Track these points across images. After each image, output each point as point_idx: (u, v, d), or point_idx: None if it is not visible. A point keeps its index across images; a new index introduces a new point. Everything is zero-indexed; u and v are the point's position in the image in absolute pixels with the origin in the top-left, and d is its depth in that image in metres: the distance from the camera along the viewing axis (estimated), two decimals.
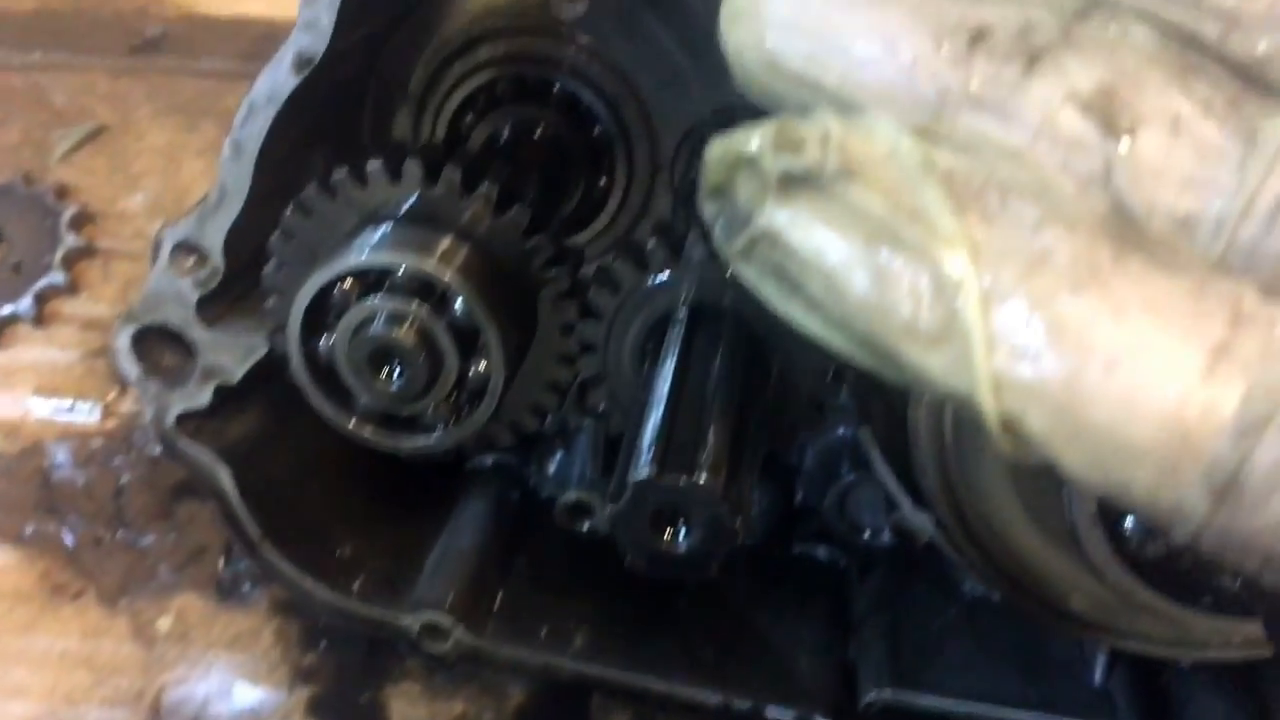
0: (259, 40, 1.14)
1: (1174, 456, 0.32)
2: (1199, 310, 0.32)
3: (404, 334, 0.59)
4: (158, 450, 0.96)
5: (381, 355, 0.61)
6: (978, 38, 0.35)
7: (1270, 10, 0.37)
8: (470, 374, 0.62)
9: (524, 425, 0.69)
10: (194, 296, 0.71)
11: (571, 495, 0.81)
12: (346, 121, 0.80)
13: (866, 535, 0.85)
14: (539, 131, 0.79)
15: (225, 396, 0.74)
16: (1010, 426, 0.33)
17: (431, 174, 0.62)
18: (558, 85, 0.79)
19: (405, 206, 0.63)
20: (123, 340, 0.72)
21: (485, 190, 0.63)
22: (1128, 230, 0.34)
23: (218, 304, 0.72)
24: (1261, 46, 0.37)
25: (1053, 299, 0.32)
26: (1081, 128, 0.35)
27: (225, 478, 0.74)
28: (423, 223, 0.62)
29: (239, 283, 0.72)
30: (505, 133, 0.79)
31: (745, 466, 0.56)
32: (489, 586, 0.81)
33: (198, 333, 0.71)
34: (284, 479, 0.80)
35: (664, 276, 0.68)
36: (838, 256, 0.34)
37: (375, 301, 0.60)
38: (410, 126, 0.82)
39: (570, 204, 0.81)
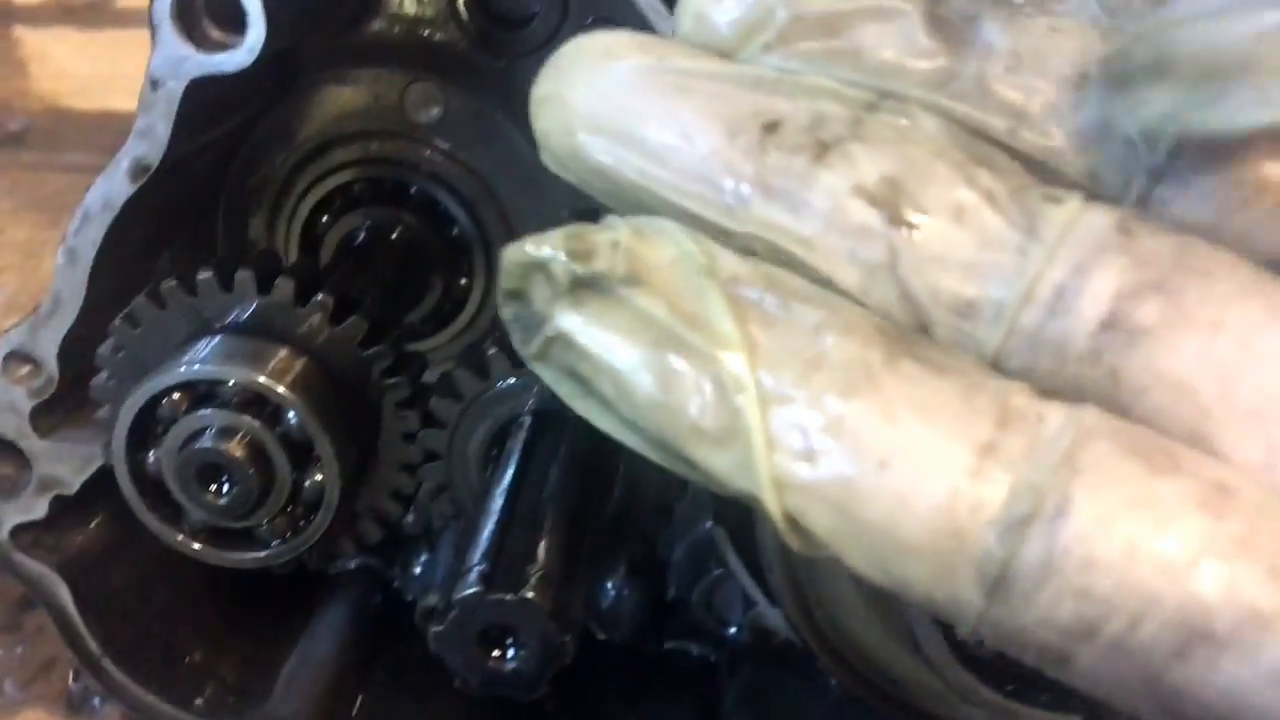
0: (125, 135, 1.12)
1: (947, 553, 0.32)
2: (968, 410, 0.33)
3: (234, 448, 0.58)
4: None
5: (211, 469, 0.59)
6: (770, 129, 0.37)
7: (1054, 107, 0.38)
8: (305, 486, 0.61)
9: (367, 535, 0.68)
10: (28, 406, 0.68)
11: (433, 598, 0.79)
12: (199, 222, 0.79)
13: (733, 630, 0.85)
14: (396, 233, 0.79)
15: (63, 507, 0.71)
16: (794, 524, 0.34)
17: (265, 284, 0.62)
18: (415, 187, 0.79)
19: (240, 316, 0.62)
20: None
21: (321, 300, 0.62)
22: (903, 334, 0.35)
23: (53, 413, 0.70)
24: (1045, 140, 0.39)
25: (828, 401, 0.33)
26: (867, 217, 0.36)
27: (63, 592, 0.72)
28: (257, 333, 0.61)
29: (77, 391, 0.70)
30: (361, 234, 0.78)
31: (579, 580, 0.55)
32: (346, 694, 0.78)
33: (32, 443, 0.69)
34: (128, 588, 0.77)
35: (509, 382, 0.67)
36: (625, 359, 0.35)
37: (204, 415, 0.58)
38: (265, 227, 0.81)
39: (429, 305, 0.81)
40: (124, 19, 1.17)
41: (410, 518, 0.81)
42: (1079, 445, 0.32)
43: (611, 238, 0.36)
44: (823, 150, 0.36)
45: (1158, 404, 0.34)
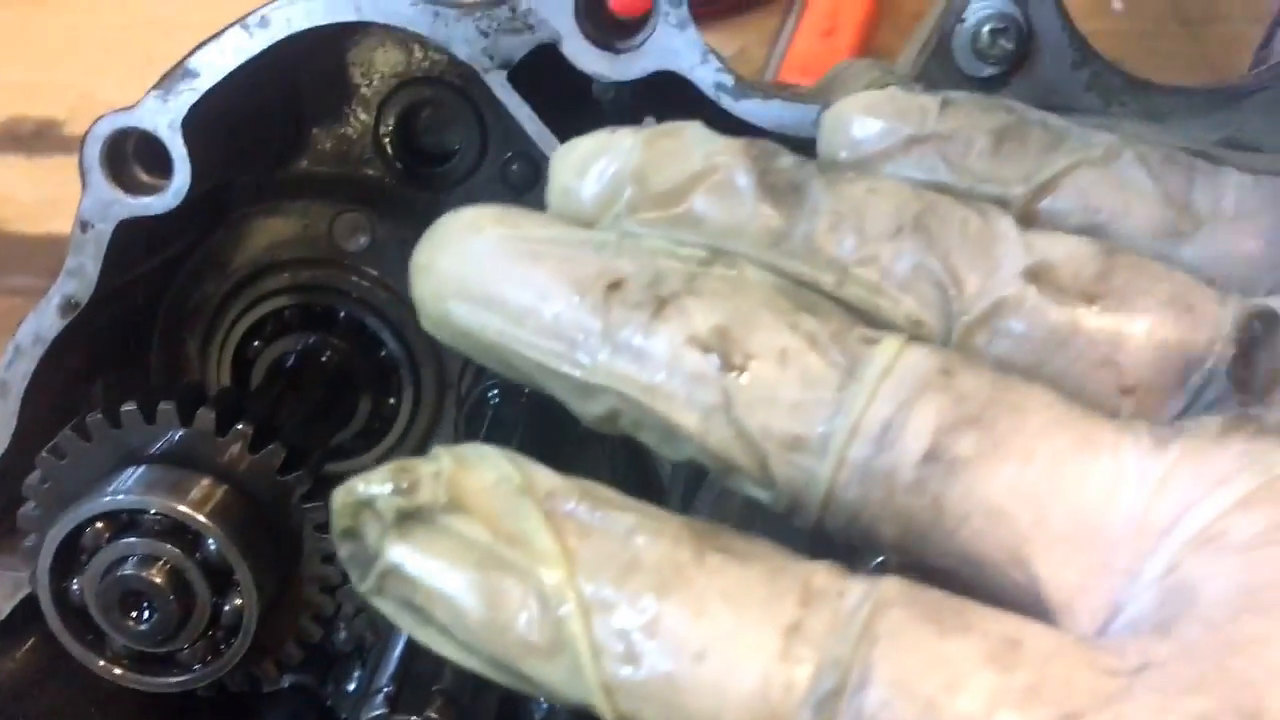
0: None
1: None
2: (773, 594, 0.35)
3: (155, 575, 0.60)
4: None
5: (133, 596, 0.61)
6: (614, 288, 0.40)
7: (873, 259, 0.43)
8: (225, 611, 0.63)
9: (289, 657, 0.69)
10: None
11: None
12: (133, 349, 0.82)
13: None
14: (325, 357, 0.82)
15: None
16: None
17: (187, 415, 0.64)
18: (344, 312, 0.83)
19: (163, 447, 0.64)
20: None
21: (241, 429, 0.65)
22: (709, 529, 0.37)
23: None
24: (867, 290, 0.43)
25: (645, 601, 0.35)
26: (701, 364, 0.39)
27: None
28: (179, 463, 0.63)
29: (6, 519, 0.72)
30: (291, 358, 0.81)
31: (489, 697, 0.57)
32: None
33: None
34: (57, 715, 0.77)
35: None
36: (452, 584, 0.36)
37: (126, 543, 0.60)
38: (199, 352, 0.84)
39: (358, 424, 0.84)
40: (70, 145, 1.20)
41: (343, 635, 0.83)
42: (876, 615, 0.34)
43: (434, 468, 0.38)
44: (661, 305, 0.40)
45: (979, 530, 0.37)
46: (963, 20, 0.70)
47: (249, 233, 0.82)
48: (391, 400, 0.84)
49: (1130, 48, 1.26)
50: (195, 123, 0.64)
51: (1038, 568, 0.37)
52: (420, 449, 0.88)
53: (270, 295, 0.83)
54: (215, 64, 0.63)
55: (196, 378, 0.83)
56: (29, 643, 0.76)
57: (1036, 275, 0.42)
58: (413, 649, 0.58)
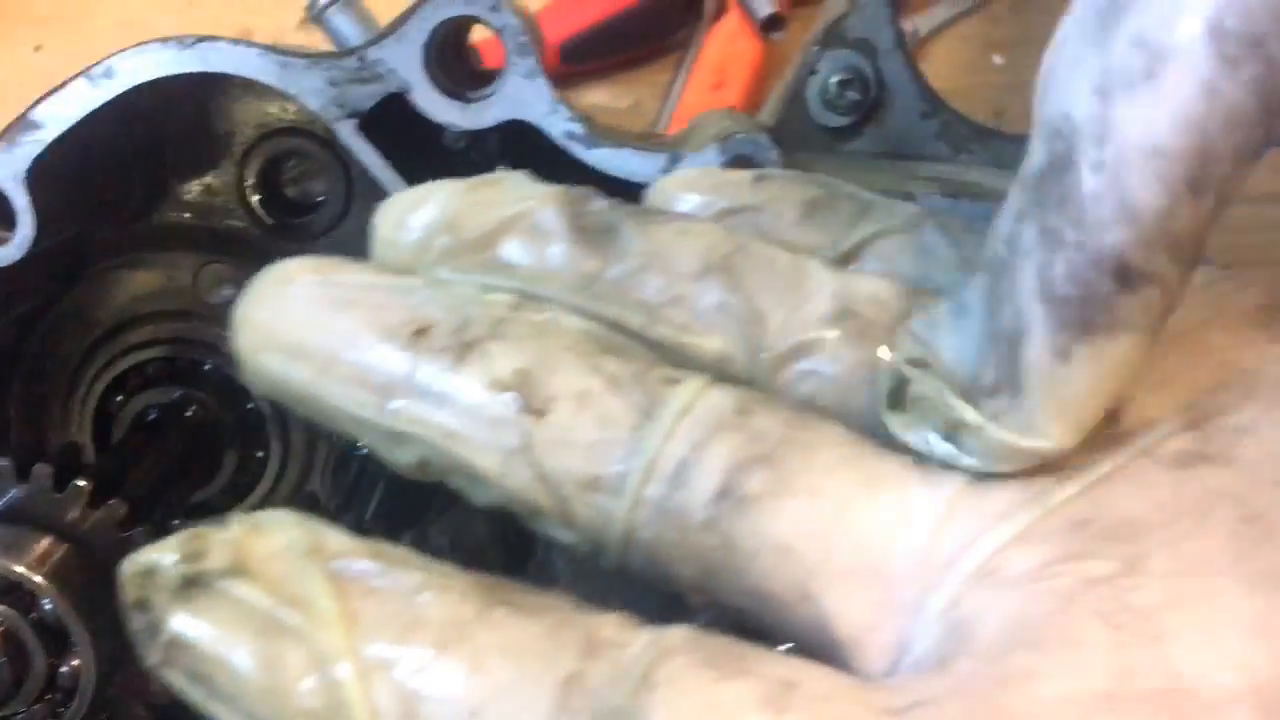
0: None
1: None
2: (554, 647, 0.35)
3: None
4: None
5: None
6: (420, 335, 0.41)
7: (681, 299, 0.43)
8: (62, 673, 0.61)
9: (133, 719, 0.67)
10: None
11: None
12: None
13: None
14: (190, 411, 0.81)
15: None
16: None
17: (22, 470, 0.63)
18: (209, 365, 0.81)
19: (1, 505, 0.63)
20: None
21: (77, 486, 0.63)
22: (499, 584, 0.37)
23: None
24: (674, 331, 0.43)
25: (424, 659, 0.35)
26: (502, 407, 0.39)
27: None
28: (18, 519, 0.62)
29: None
30: (153, 413, 0.80)
31: None
32: None
33: None
34: None
35: None
36: (233, 653, 0.36)
37: None
38: (60, 406, 0.82)
39: (224, 479, 0.82)
40: None
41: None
42: (656, 664, 0.35)
43: (226, 535, 0.38)
44: (465, 350, 0.40)
45: (768, 567, 0.38)
46: (815, 72, 0.72)
47: (111, 286, 0.81)
48: (260, 453, 0.83)
49: (1009, 99, 1.31)
50: (40, 175, 0.63)
51: (825, 604, 0.38)
52: (290, 502, 0.87)
53: (133, 349, 0.81)
54: (59, 115, 0.62)
55: (59, 434, 0.81)
56: None
57: (840, 314, 0.43)
58: None
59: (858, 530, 0.38)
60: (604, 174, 0.63)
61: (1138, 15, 0.32)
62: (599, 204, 0.46)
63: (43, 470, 0.62)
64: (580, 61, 1.28)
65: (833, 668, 0.36)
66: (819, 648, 0.38)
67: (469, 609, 0.36)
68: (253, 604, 0.36)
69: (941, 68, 1.36)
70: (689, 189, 0.51)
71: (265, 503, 0.84)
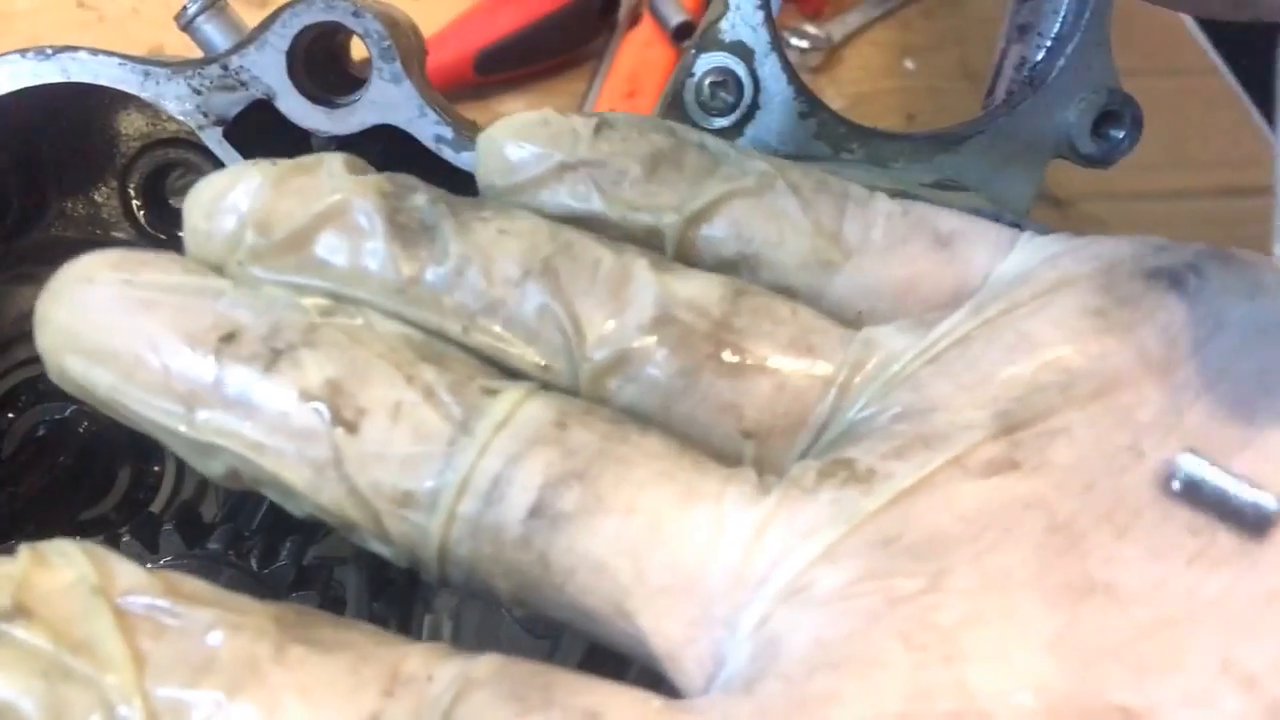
0: None
1: None
2: (354, 685, 0.34)
3: None
4: None
5: None
6: (227, 340, 0.39)
7: (500, 304, 0.42)
8: None
9: None
10: None
11: None
12: None
13: None
14: (81, 426, 0.80)
15: None
16: None
17: None
18: None
19: None
20: None
21: None
22: (301, 619, 0.36)
23: None
24: (493, 338, 0.42)
25: (217, 703, 0.33)
26: (312, 420, 0.38)
27: None
28: None
29: None
30: (41, 429, 0.79)
31: None
32: None
33: None
34: None
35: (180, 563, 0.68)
36: (19, 700, 0.34)
37: None
38: None
39: (119, 494, 0.82)
40: None
41: None
42: (459, 700, 0.34)
43: (8, 571, 0.36)
44: (275, 358, 0.39)
45: (584, 585, 0.38)
46: (692, 75, 0.72)
47: None
48: (155, 468, 0.83)
49: (921, 103, 1.33)
50: None
51: (640, 621, 0.37)
52: (184, 518, 0.86)
53: (22, 364, 0.80)
54: None
55: None
56: None
57: (662, 321, 0.42)
58: None
59: (672, 547, 0.37)
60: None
61: None
62: (419, 198, 0.44)
63: None
64: (496, 71, 1.29)
65: (644, 690, 0.35)
66: (642, 661, 0.37)
67: (264, 648, 0.34)
68: (37, 647, 0.34)
69: (855, 73, 1.38)
70: (522, 138, 0.48)
71: (165, 513, 0.84)
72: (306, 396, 0.38)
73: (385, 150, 0.67)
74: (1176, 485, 0.37)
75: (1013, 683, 0.33)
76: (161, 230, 0.80)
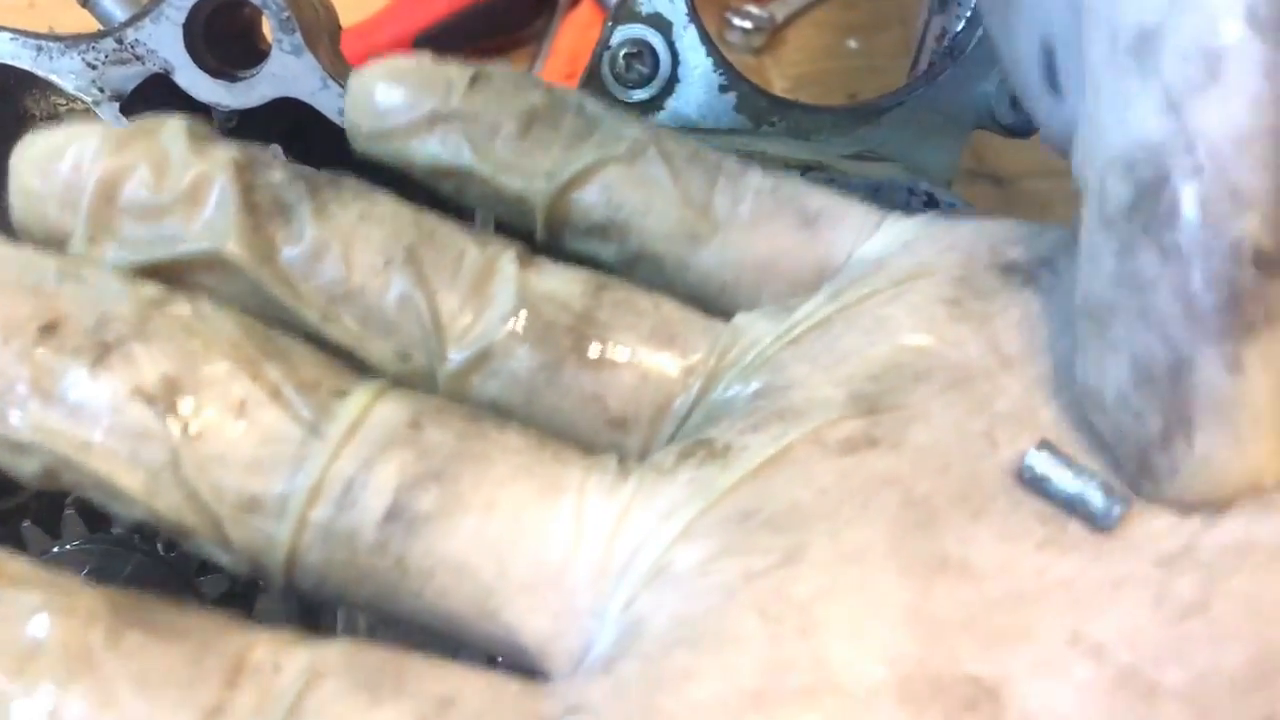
0: None
1: None
2: (195, 675, 0.32)
3: None
4: None
5: None
6: (48, 331, 0.36)
7: (358, 293, 0.41)
8: None
9: None
10: None
11: None
12: None
13: None
14: None
15: None
16: None
17: None
18: None
19: None
20: None
21: None
22: (139, 604, 0.33)
23: None
24: (348, 328, 0.41)
25: (46, 692, 0.31)
26: (146, 418, 0.35)
27: None
28: None
29: None
30: None
31: None
32: None
33: None
34: None
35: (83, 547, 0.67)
36: None
37: None
38: None
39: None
40: None
41: None
42: (308, 689, 0.32)
43: None
44: (104, 351, 0.36)
45: (444, 586, 0.36)
46: (608, 47, 0.72)
47: None
48: None
49: (865, 82, 1.33)
50: None
51: (506, 618, 0.36)
52: (86, 502, 0.85)
53: None
54: None
55: None
56: None
57: (525, 317, 0.42)
58: None
59: (534, 542, 0.37)
60: None
61: (1176, 34, 0.32)
62: (277, 174, 0.41)
63: None
64: (438, 50, 1.28)
65: (501, 675, 0.34)
66: (512, 656, 0.36)
67: (97, 634, 0.32)
68: None
69: (797, 53, 1.38)
70: (394, 79, 0.45)
71: (62, 501, 0.83)
72: (140, 394, 0.35)
73: (291, 125, 0.66)
74: (1027, 477, 0.37)
75: (867, 655, 0.33)
76: None
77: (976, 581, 0.35)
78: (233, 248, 0.40)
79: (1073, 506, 0.36)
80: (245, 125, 0.63)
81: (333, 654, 0.33)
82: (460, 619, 0.37)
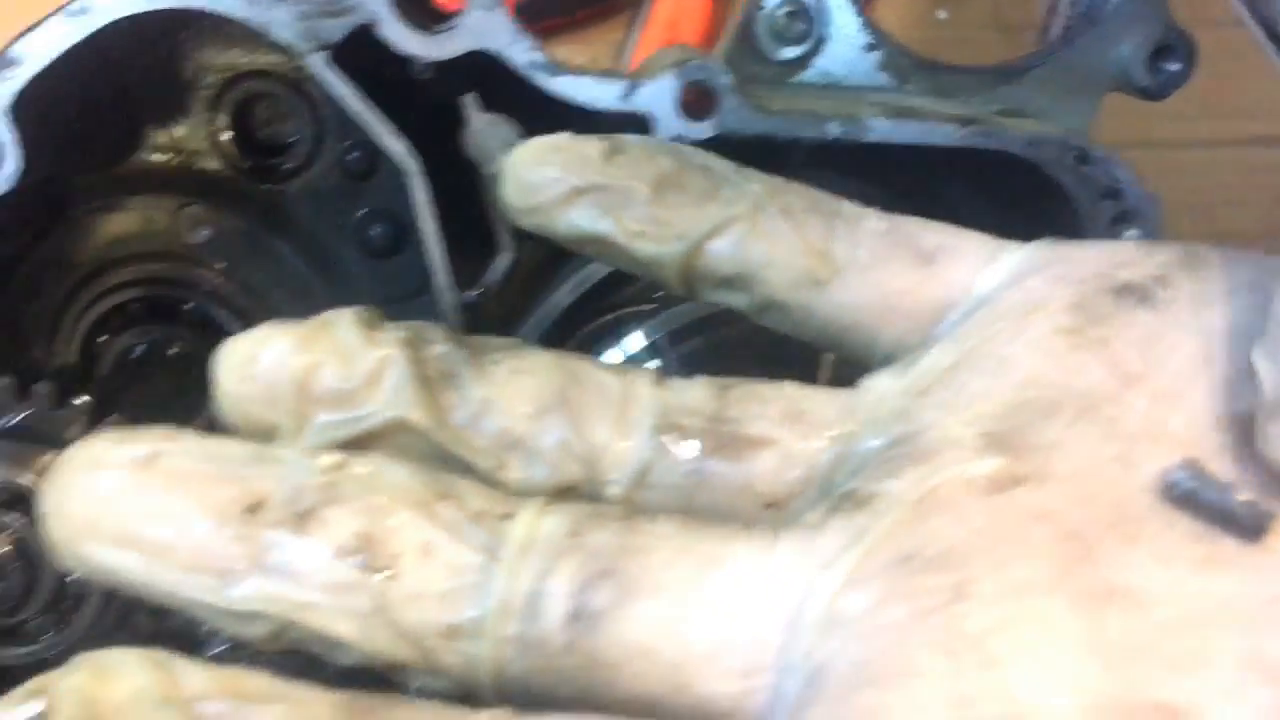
0: None
1: None
2: None
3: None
4: None
5: None
6: (254, 509, 0.40)
7: (522, 439, 0.45)
8: (68, 580, 0.64)
9: (140, 626, 0.70)
10: None
11: None
12: None
13: None
14: (172, 349, 0.83)
15: None
16: None
17: (23, 389, 0.66)
18: (189, 305, 0.84)
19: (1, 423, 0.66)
20: None
21: (82, 403, 0.66)
22: (369, 705, 0.37)
23: None
24: (515, 472, 0.46)
25: None
26: (348, 573, 0.40)
27: None
28: (21, 435, 0.65)
29: None
30: (137, 351, 0.83)
31: None
32: None
33: None
34: None
35: None
36: None
37: None
38: (45, 347, 0.84)
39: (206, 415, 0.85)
40: None
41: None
42: None
43: (70, 683, 0.36)
44: (301, 520, 0.40)
45: (636, 671, 0.40)
46: (761, 7, 0.75)
47: (90, 230, 0.83)
48: None
49: (952, 52, 1.35)
50: (21, 110, 0.66)
51: (697, 690, 0.39)
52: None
53: (114, 290, 0.84)
54: (37, 52, 0.65)
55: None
56: None
57: (666, 429, 0.46)
58: None
59: (706, 613, 0.40)
60: (565, 102, 0.67)
61: None
62: (439, 347, 0.46)
63: (43, 389, 0.65)
64: (536, 19, 1.31)
65: None
66: None
67: None
68: None
69: (886, 22, 1.41)
70: (542, 163, 0.51)
71: None
72: (341, 552, 0.40)
73: (479, 78, 0.70)
74: (1173, 495, 0.38)
75: (1052, 684, 0.35)
76: (248, 160, 0.83)
77: (1145, 608, 0.36)
78: (415, 416, 0.45)
79: (1222, 520, 0.37)
80: (439, 77, 0.68)
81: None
82: (656, 699, 0.39)
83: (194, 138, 0.83)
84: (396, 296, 0.84)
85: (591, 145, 0.52)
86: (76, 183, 0.82)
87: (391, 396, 0.45)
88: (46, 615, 0.65)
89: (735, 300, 0.52)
